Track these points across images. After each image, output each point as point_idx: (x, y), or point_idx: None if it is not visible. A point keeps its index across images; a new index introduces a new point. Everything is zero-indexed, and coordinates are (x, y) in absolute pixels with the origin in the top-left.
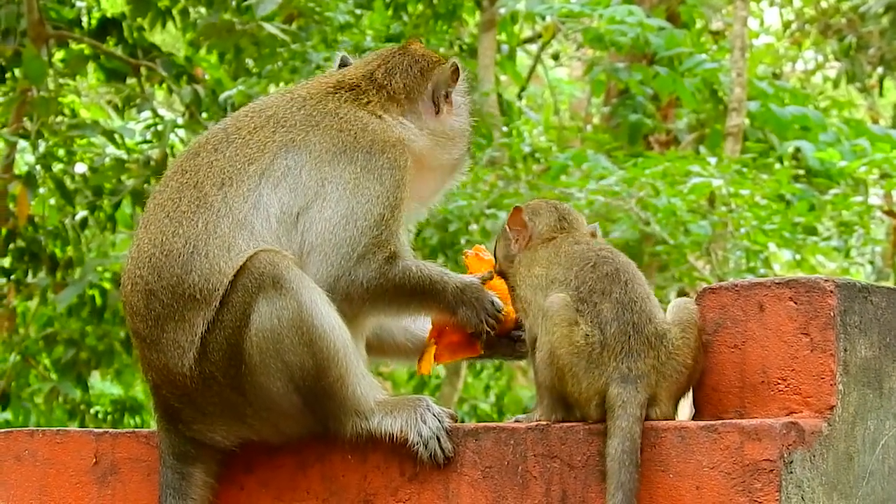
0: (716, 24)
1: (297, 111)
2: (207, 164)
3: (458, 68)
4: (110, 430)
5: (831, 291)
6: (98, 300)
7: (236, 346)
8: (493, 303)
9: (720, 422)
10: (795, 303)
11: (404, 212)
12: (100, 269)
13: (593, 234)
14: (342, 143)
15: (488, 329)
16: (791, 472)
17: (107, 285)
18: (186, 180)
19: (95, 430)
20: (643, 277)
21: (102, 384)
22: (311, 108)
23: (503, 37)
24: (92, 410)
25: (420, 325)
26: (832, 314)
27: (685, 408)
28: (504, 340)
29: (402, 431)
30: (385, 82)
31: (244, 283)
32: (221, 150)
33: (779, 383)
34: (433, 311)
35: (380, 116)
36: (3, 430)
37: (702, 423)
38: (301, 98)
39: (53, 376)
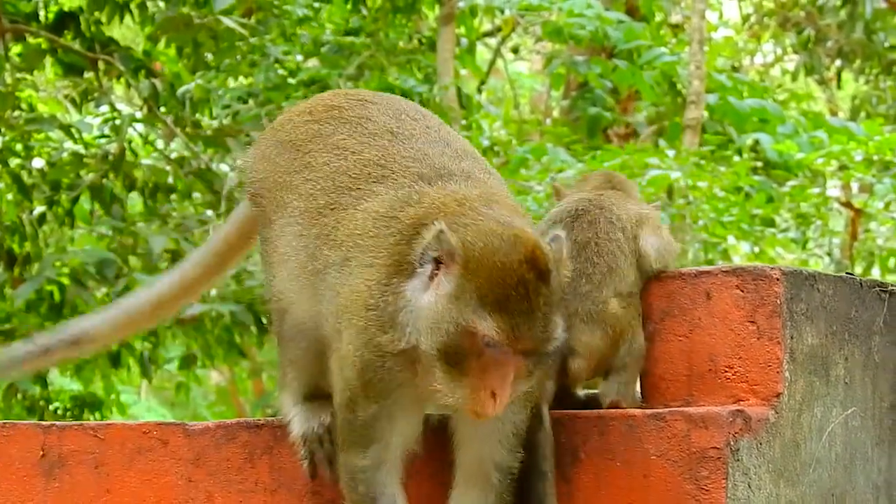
0: (675, 18)
1: (373, 228)
2: None
3: None
4: (57, 423)
5: (778, 279)
6: (56, 296)
7: None
8: None
9: (667, 410)
10: (742, 291)
11: None
12: (58, 264)
13: None
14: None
15: None
16: (738, 460)
17: (65, 281)
18: None
19: (43, 422)
20: None
21: (62, 380)
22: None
23: (462, 30)
24: (51, 406)
25: None
26: (779, 302)
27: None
28: None
29: None
30: None
31: None
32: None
33: (726, 371)
34: None
35: None
36: None
37: (649, 412)
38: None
39: None
